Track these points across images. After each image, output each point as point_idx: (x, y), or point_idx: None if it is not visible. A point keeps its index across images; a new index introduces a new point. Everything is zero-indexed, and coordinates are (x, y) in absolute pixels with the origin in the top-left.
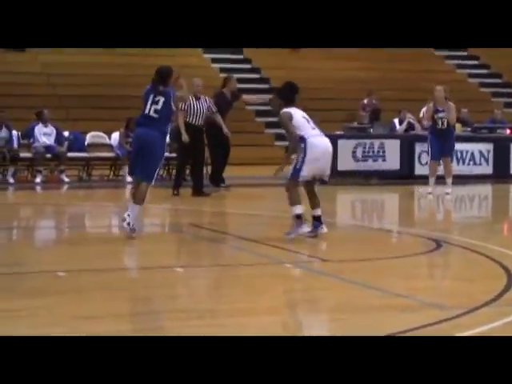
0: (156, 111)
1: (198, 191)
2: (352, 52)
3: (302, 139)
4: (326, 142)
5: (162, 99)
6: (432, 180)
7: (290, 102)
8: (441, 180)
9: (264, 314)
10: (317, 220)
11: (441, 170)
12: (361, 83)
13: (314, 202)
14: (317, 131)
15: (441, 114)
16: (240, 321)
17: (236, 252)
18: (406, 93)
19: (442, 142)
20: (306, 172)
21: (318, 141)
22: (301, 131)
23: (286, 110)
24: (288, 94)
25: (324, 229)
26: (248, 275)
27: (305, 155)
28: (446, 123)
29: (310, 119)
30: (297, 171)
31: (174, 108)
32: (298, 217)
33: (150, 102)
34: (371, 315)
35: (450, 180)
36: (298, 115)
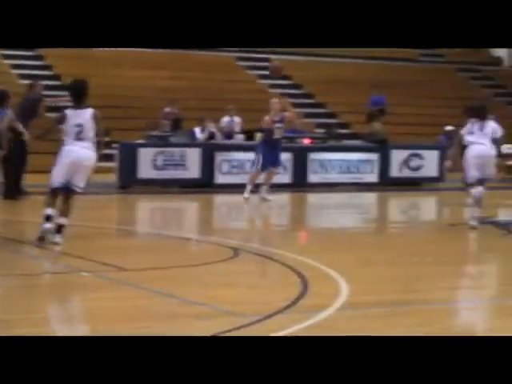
0: None
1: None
2: (156, 61)
3: (62, 144)
4: (76, 152)
5: None
6: (250, 187)
7: (79, 101)
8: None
9: (62, 324)
10: (57, 228)
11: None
12: (163, 92)
13: (61, 209)
14: (79, 143)
15: (278, 125)
16: (36, 331)
17: (34, 261)
18: (208, 102)
19: (272, 152)
20: (58, 178)
21: (68, 150)
22: (65, 136)
23: (67, 111)
24: (73, 92)
25: (56, 238)
26: (46, 284)
27: (58, 161)
28: (281, 133)
29: (88, 128)
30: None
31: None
32: (45, 217)
33: None
34: (169, 323)
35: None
36: (71, 122)
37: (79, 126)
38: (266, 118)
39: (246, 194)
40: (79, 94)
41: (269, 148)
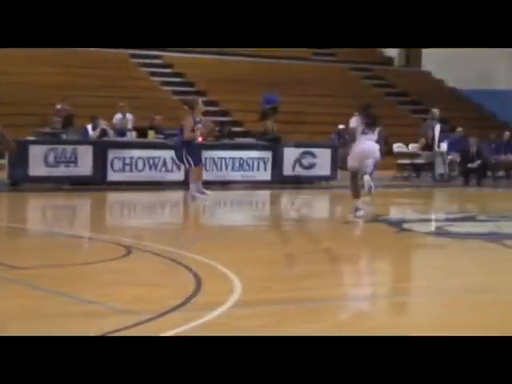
0: None
1: None
2: (47, 57)
3: None
4: None
5: None
6: (200, 184)
7: None
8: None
9: None
10: None
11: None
12: (54, 88)
13: None
14: None
15: (199, 125)
16: None
17: None
18: (101, 99)
19: (191, 148)
20: None
21: None
22: None
23: None
24: None
25: None
26: None
27: None
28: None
29: None
30: None
31: None
32: None
33: None
34: (61, 322)
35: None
36: None
37: None
38: (188, 116)
39: (205, 191)
40: None
41: (188, 145)
